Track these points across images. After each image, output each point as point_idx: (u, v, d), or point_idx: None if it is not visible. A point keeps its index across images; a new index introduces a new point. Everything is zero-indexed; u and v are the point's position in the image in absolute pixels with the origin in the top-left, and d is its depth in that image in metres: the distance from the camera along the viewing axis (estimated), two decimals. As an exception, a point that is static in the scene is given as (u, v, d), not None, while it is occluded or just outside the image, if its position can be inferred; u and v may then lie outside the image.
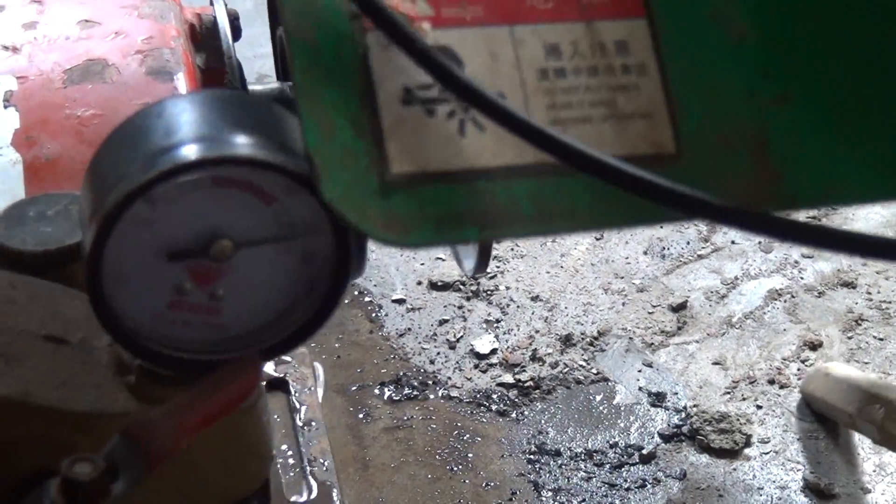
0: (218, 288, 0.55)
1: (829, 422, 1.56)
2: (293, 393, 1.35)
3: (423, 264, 1.83)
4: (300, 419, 1.32)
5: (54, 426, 0.57)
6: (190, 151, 0.51)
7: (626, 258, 1.86)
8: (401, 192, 0.52)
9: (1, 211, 0.68)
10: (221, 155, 0.51)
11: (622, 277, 1.82)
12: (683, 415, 1.58)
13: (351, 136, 0.52)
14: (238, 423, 0.61)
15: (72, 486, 0.50)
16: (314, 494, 1.22)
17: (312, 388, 1.37)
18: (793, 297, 1.79)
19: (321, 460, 1.26)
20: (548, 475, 1.50)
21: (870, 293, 1.79)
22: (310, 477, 1.24)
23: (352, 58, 0.53)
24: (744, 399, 1.61)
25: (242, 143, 0.51)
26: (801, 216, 0.57)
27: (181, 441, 0.53)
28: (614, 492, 1.48)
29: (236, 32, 0.95)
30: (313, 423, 1.31)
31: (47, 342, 0.59)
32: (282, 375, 1.38)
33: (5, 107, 0.83)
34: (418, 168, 0.52)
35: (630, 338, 1.71)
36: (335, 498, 1.22)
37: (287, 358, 1.40)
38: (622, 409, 1.60)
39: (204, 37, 0.94)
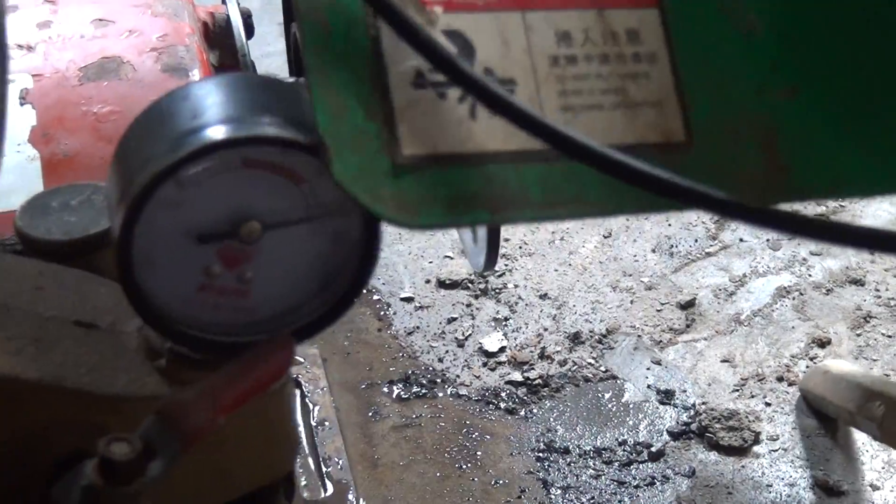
0: (247, 270, 0.55)
1: (830, 420, 1.56)
2: (306, 393, 1.35)
3: (431, 263, 1.83)
4: (314, 419, 1.32)
5: (87, 409, 0.57)
6: (218, 132, 0.50)
7: (635, 256, 1.86)
8: (412, 174, 0.52)
9: (25, 202, 0.68)
10: (250, 135, 0.51)
11: (630, 275, 1.83)
12: (692, 412, 1.58)
13: (362, 118, 0.52)
14: (267, 406, 0.62)
15: (109, 465, 0.50)
16: (329, 493, 1.22)
17: (325, 388, 1.38)
18: (801, 294, 1.79)
19: (336, 459, 1.26)
20: (557, 473, 1.50)
21: (878, 290, 1.79)
22: (325, 476, 1.24)
23: (363, 40, 0.53)
24: (752, 396, 1.61)
25: (270, 122, 0.51)
26: (810, 211, 0.57)
27: (217, 419, 0.52)
28: (623, 489, 1.48)
29: (249, 30, 0.95)
30: (326, 423, 1.31)
31: (77, 327, 0.60)
32: (294, 376, 1.38)
33: (21, 104, 0.84)
34: (429, 150, 0.53)
35: (638, 335, 1.71)
36: (350, 496, 1.22)
37: (299, 359, 1.40)
38: (631, 406, 1.60)
39: (217, 35, 0.95)
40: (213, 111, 0.52)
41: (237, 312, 0.56)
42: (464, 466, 1.50)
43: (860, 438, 1.55)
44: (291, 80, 0.67)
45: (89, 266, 0.64)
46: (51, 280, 0.62)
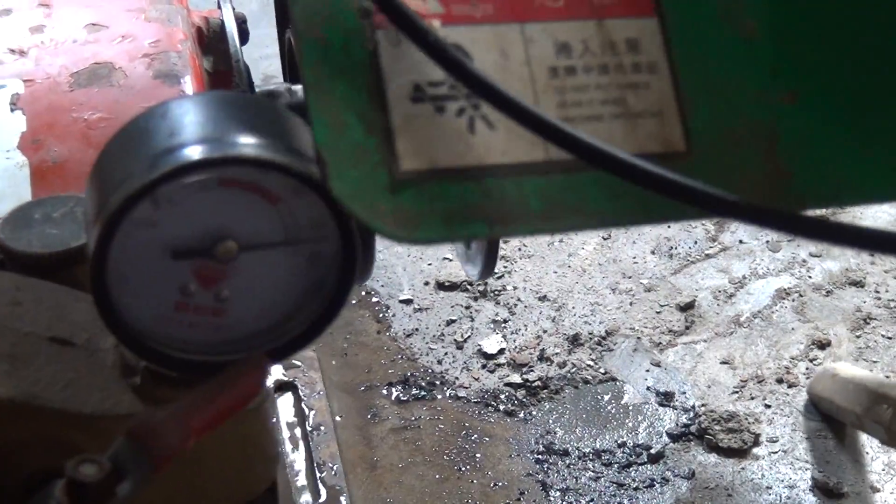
0: (223, 289, 0.55)
1: (836, 422, 1.56)
2: (302, 397, 1.35)
3: (430, 265, 1.83)
4: (309, 423, 1.32)
5: (60, 427, 0.57)
6: (194, 152, 0.50)
7: (634, 258, 1.86)
8: (410, 189, 0.52)
9: (7, 213, 0.68)
10: (225, 155, 0.50)
11: (630, 277, 1.82)
12: (692, 414, 1.58)
13: (361, 133, 0.52)
14: (244, 425, 0.61)
15: (77, 487, 0.50)
16: (323, 499, 1.22)
17: (321, 392, 1.38)
18: (801, 296, 1.79)
19: (330, 465, 1.26)
20: (556, 475, 1.50)
21: (878, 292, 1.79)
22: (318, 481, 1.24)
23: (361, 55, 0.53)
24: (752, 398, 1.61)
25: (246, 143, 0.51)
26: (809, 211, 0.57)
27: (187, 442, 0.52)
28: (623, 491, 1.48)
29: (244, 36, 0.95)
30: (322, 428, 1.31)
31: (53, 344, 0.59)
32: (291, 379, 1.38)
33: (12, 110, 0.83)
34: (428, 165, 0.52)
35: (638, 337, 1.71)
36: (343, 501, 1.22)
37: (296, 362, 1.40)
38: (630, 408, 1.60)
39: (211, 40, 0.94)
40: (189, 130, 0.52)
41: (213, 331, 0.56)
42: (463, 468, 1.50)
43: (861, 440, 1.54)
44: (284, 86, 0.66)
45: (70, 279, 0.64)
46: (28, 295, 0.61)
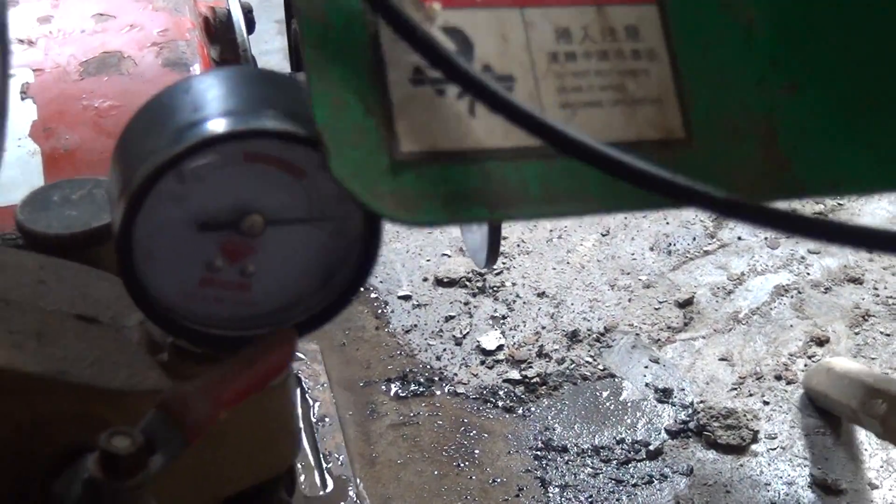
0: (248, 264, 0.55)
1: (834, 417, 1.56)
2: (307, 389, 1.35)
3: (428, 261, 1.83)
4: (314, 415, 1.32)
5: (88, 403, 0.57)
6: (218, 125, 0.51)
7: (633, 254, 1.86)
8: (410, 171, 0.52)
9: (25, 196, 0.69)
10: (250, 128, 0.51)
11: (628, 273, 1.83)
12: (690, 411, 1.58)
13: (361, 114, 0.52)
14: (268, 400, 0.62)
15: (110, 459, 0.50)
16: (330, 489, 1.22)
17: (325, 384, 1.38)
18: (799, 292, 1.79)
19: (336, 455, 1.26)
20: (554, 471, 1.50)
21: (876, 289, 1.80)
22: (325, 472, 1.24)
23: (362, 36, 0.53)
24: (751, 395, 1.61)
25: (271, 116, 0.51)
26: (808, 210, 0.57)
27: (218, 413, 0.52)
28: (621, 488, 1.48)
29: (250, 25, 0.95)
30: (327, 419, 1.31)
31: (78, 321, 0.60)
32: (294, 372, 1.38)
33: (23, 98, 0.84)
34: (428, 147, 0.53)
35: (636, 334, 1.71)
36: (351, 492, 1.22)
37: (299, 355, 1.40)
38: (629, 405, 1.60)
39: (218, 29, 0.95)
40: (213, 105, 0.52)
41: (239, 306, 0.56)
42: (462, 465, 1.50)
43: (859, 437, 1.55)
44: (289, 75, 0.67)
45: (90, 260, 0.64)
46: (52, 274, 0.62)
